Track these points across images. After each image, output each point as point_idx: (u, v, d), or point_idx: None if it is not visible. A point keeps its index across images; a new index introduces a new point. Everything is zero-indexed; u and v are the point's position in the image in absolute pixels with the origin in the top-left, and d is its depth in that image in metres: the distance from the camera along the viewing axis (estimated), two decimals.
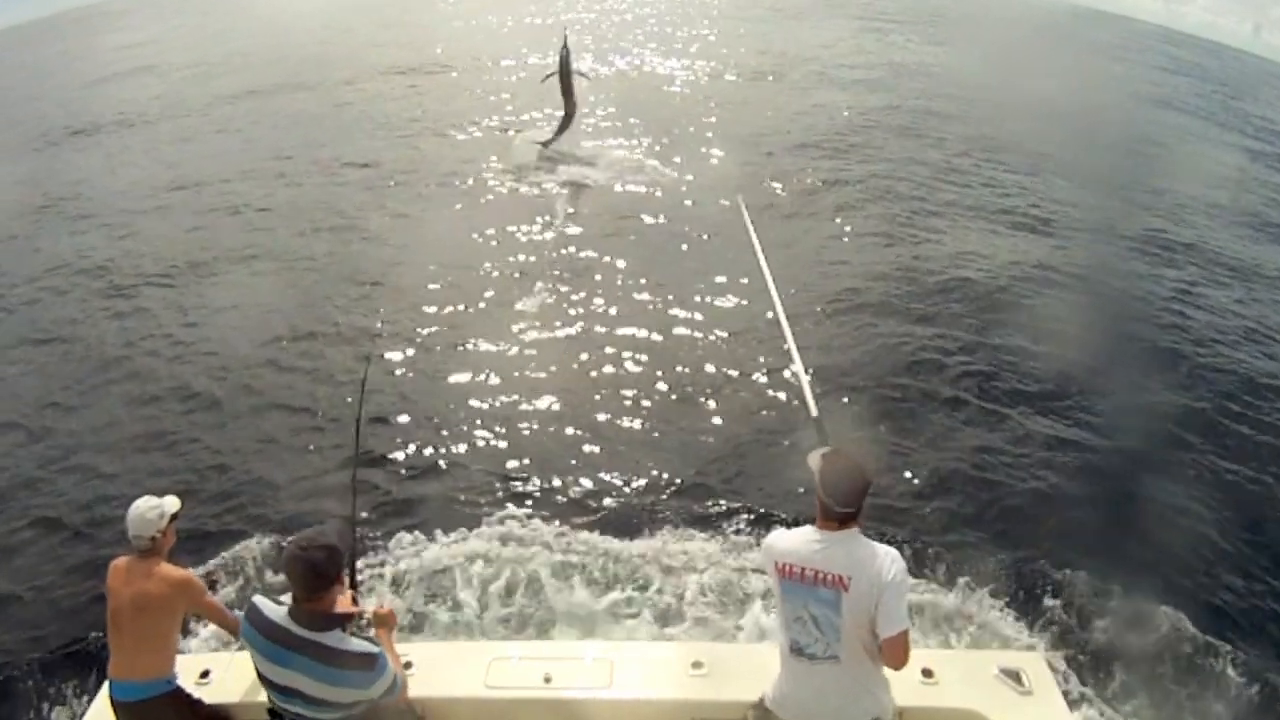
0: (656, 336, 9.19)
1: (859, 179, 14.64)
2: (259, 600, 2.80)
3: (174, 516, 3.47)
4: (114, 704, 3.42)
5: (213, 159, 16.26)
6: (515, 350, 8.91)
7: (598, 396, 8.16)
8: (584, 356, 8.84)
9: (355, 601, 3.29)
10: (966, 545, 6.19)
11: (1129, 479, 7.12)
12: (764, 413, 7.89)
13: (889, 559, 2.76)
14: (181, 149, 17.36)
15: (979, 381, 8.52)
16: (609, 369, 8.65)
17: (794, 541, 2.90)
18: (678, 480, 6.98)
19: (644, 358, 8.79)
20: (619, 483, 6.97)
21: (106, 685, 3.48)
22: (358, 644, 2.72)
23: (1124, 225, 13.39)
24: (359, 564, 5.83)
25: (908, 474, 7.08)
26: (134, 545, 3.40)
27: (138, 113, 20.48)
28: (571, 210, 12.88)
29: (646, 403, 8.09)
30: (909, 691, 3.43)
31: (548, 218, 12.46)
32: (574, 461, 7.25)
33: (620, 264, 10.88)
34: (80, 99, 23.04)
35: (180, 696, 3.46)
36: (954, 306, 10.06)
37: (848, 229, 12.48)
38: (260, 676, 2.80)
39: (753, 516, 6.43)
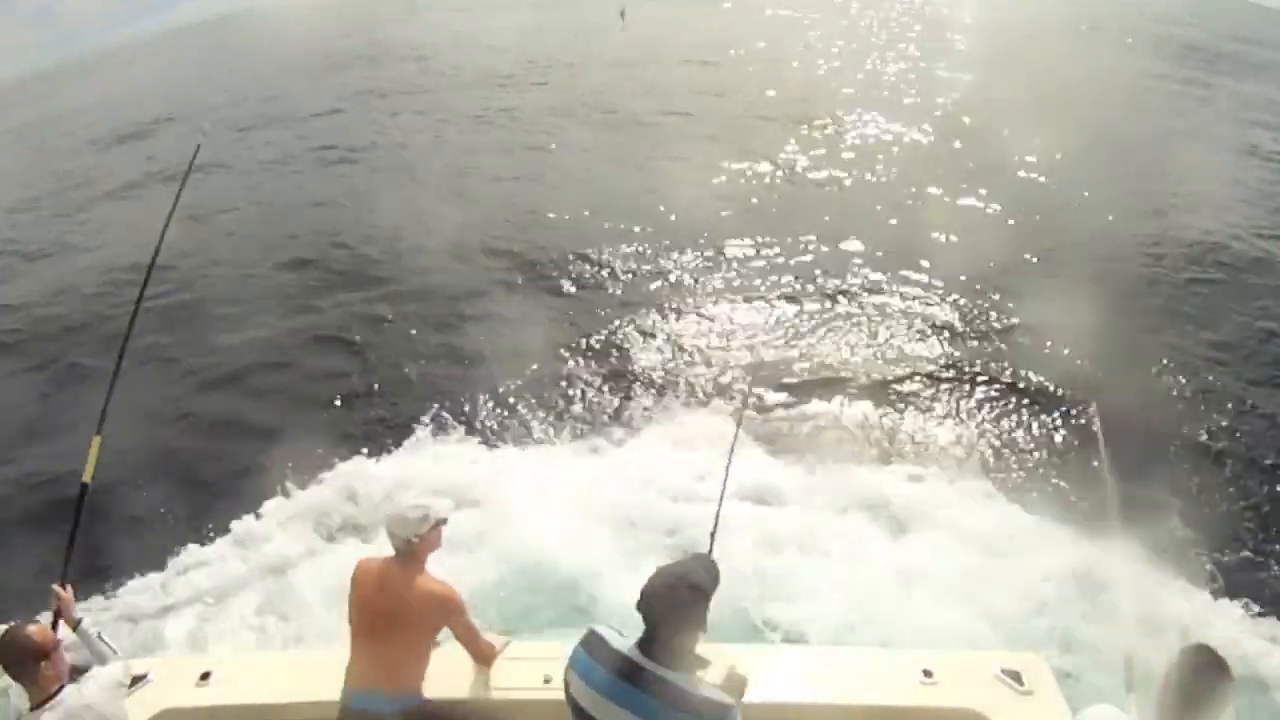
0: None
1: None
2: None
3: (441, 522, 3.33)
4: (347, 714, 3.22)
5: None
6: None
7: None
8: None
9: None
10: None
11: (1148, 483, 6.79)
12: None
13: None
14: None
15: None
16: None
17: None
18: None
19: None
20: None
21: (341, 692, 3.24)
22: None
23: None
24: None
25: None
26: (391, 545, 3.29)
27: None
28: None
29: None
30: (909, 691, 3.43)
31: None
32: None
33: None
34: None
35: (429, 710, 3.29)
36: None
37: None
38: None
39: None
